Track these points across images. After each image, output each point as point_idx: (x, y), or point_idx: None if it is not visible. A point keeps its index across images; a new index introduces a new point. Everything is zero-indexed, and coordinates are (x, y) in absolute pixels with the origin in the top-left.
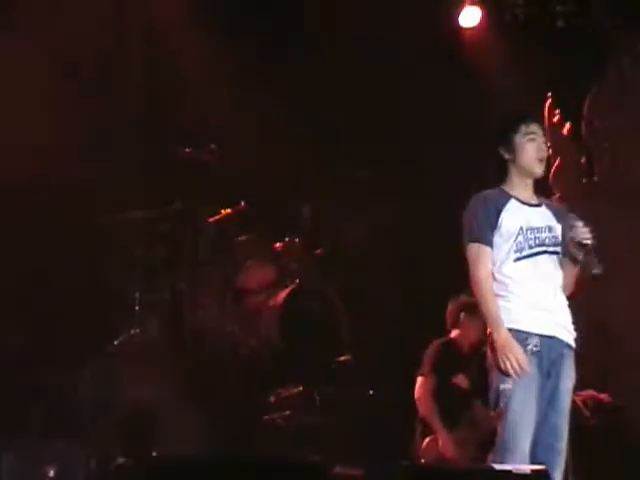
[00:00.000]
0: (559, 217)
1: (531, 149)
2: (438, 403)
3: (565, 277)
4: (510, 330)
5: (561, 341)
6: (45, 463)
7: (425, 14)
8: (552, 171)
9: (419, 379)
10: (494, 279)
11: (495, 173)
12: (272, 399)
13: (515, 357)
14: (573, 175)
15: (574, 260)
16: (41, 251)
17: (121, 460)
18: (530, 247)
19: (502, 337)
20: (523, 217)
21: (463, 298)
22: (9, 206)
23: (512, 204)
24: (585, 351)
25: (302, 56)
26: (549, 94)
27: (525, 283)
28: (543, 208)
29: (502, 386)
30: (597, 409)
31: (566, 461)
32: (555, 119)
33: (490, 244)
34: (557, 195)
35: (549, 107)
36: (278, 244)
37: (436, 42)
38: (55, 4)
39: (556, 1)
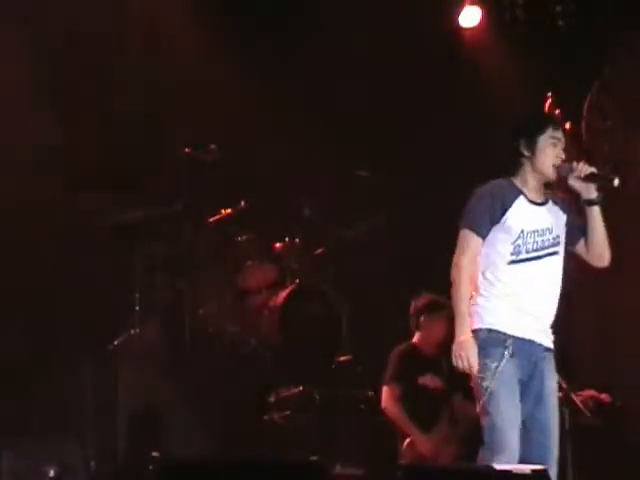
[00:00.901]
0: (565, 209)
1: (551, 154)
2: (409, 407)
3: (593, 241)
4: (490, 330)
5: (540, 345)
6: (45, 463)
7: (425, 14)
8: None
9: (383, 389)
10: (484, 275)
11: (509, 164)
12: (272, 399)
13: (467, 357)
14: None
15: (591, 203)
16: (41, 251)
17: (121, 460)
18: (527, 251)
19: (463, 337)
20: (527, 218)
21: (424, 297)
22: (8, 206)
23: (520, 202)
24: (587, 351)
25: (302, 56)
26: (549, 94)
27: (513, 286)
28: (549, 205)
29: (485, 383)
30: (597, 409)
31: (567, 461)
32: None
33: (482, 235)
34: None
35: (549, 107)
36: (278, 244)
37: (436, 42)
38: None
39: (556, 1)
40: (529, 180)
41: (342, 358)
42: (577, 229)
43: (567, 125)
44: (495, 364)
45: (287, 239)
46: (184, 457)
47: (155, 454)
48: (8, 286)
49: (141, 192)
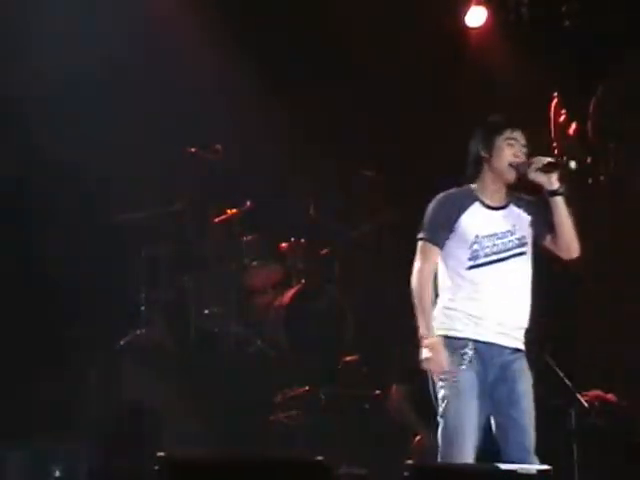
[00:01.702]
0: (529, 210)
1: (508, 153)
2: (417, 406)
3: (560, 233)
4: (447, 337)
5: (504, 347)
6: (51, 463)
7: (431, 14)
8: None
9: (393, 388)
10: (444, 282)
11: (469, 168)
12: (278, 399)
13: (434, 362)
14: (579, 175)
15: (554, 193)
16: (46, 252)
17: (126, 460)
18: (486, 255)
19: (428, 340)
20: (483, 224)
21: None
22: (8, 205)
23: (475, 208)
24: (592, 351)
25: (305, 56)
26: (555, 94)
27: (474, 291)
28: (510, 208)
29: (441, 392)
30: (603, 409)
31: (572, 461)
32: (561, 119)
33: (439, 245)
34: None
35: (555, 107)
36: (284, 244)
37: (441, 42)
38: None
39: (561, 1)
40: (488, 184)
41: (348, 358)
42: (544, 225)
43: (573, 125)
44: (452, 374)
45: (292, 239)
46: (189, 456)
47: (161, 453)
48: (14, 286)
49: (147, 192)
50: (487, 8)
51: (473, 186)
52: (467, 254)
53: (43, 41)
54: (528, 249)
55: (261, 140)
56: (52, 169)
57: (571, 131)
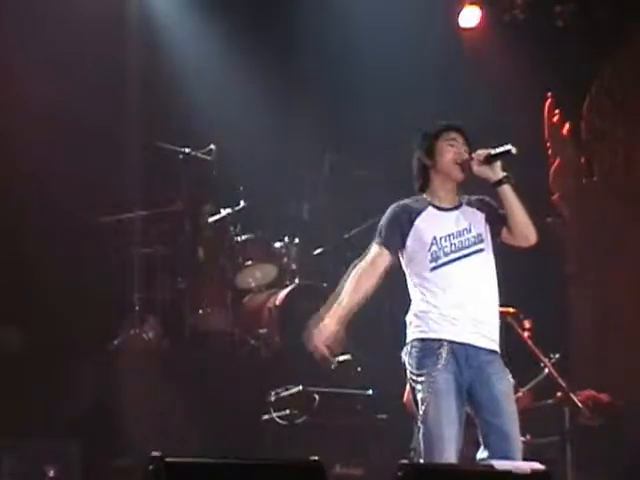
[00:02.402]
0: (482, 208)
1: (450, 153)
2: None
3: (513, 222)
4: (424, 340)
5: (479, 348)
6: (45, 463)
7: (425, 14)
8: (552, 171)
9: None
10: (413, 288)
11: (417, 180)
12: (272, 399)
13: (315, 338)
14: (573, 175)
15: (499, 183)
16: (41, 251)
17: (120, 460)
18: (446, 254)
19: (329, 315)
20: (438, 225)
21: None
22: (9, 206)
23: (428, 212)
24: (586, 351)
25: (303, 56)
26: (549, 94)
27: (442, 293)
28: (462, 209)
29: (419, 395)
30: (597, 409)
31: (566, 461)
32: (555, 119)
33: (389, 247)
34: (557, 195)
35: (549, 107)
36: (278, 244)
37: (436, 42)
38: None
39: (555, 1)
40: (438, 188)
41: (341, 358)
42: (498, 220)
43: (567, 125)
44: (429, 375)
45: (287, 239)
46: (184, 457)
47: (155, 454)
48: (8, 286)
49: (141, 192)
50: (481, 8)
51: (424, 195)
52: (428, 256)
53: None
54: (486, 246)
55: (255, 140)
56: (49, 169)
57: (565, 131)
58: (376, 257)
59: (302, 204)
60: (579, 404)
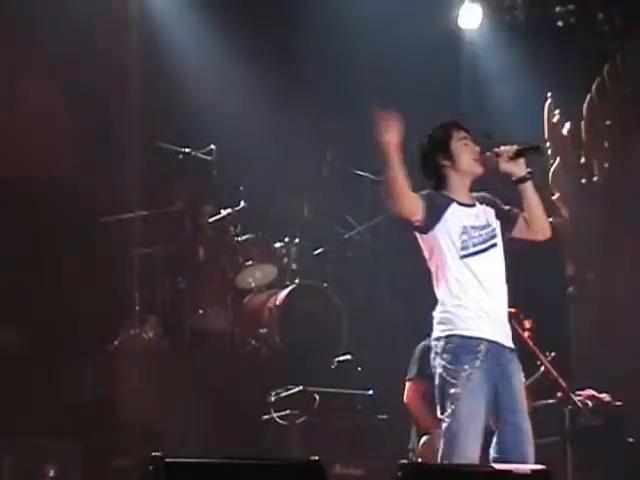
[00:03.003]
0: (490, 205)
1: (467, 152)
2: (431, 404)
3: (533, 216)
4: (462, 337)
5: (504, 346)
6: (45, 463)
7: (425, 15)
8: (552, 171)
9: (407, 384)
10: (445, 281)
11: (434, 181)
12: (272, 399)
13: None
14: (573, 175)
15: (523, 179)
16: (41, 251)
17: (121, 460)
18: (474, 245)
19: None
20: (465, 218)
21: None
22: (9, 206)
23: (453, 207)
24: (587, 350)
25: (303, 56)
26: (549, 94)
27: (472, 289)
28: (478, 206)
29: (451, 390)
30: (597, 409)
31: (566, 461)
32: (555, 119)
33: (424, 202)
34: (557, 195)
35: (549, 107)
36: (278, 244)
37: (436, 43)
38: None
39: (555, 2)
40: (458, 186)
41: (342, 358)
42: (506, 217)
43: (567, 125)
44: (466, 372)
45: (287, 239)
46: (183, 457)
47: (155, 454)
48: (8, 286)
49: (142, 192)
50: (481, 9)
51: (443, 191)
52: (458, 244)
53: None
54: (499, 241)
55: (256, 140)
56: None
57: (565, 131)
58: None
59: (302, 204)
60: (579, 404)
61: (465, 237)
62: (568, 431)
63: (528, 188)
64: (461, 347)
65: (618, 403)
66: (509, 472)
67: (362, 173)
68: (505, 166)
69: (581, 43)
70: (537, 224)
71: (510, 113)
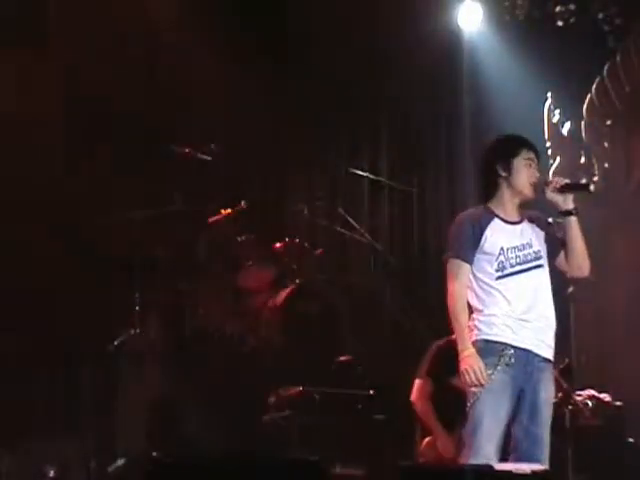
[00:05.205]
0: (541, 226)
1: (527, 173)
2: (436, 405)
3: (572, 252)
4: (488, 341)
5: (537, 355)
6: (45, 463)
7: (425, 14)
8: (552, 171)
9: (416, 382)
10: (476, 295)
11: (486, 187)
12: (272, 399)
13: (474, 372)
14: (573, 175)
15: (568, 213)
16: (41, 251)
17: (121, 460)
18: (512, 266)
19: (467, 352)
20: (505, 237)
21: None
22: (8, 206)
23: (495, 224)
24: (587, 351)
25: (302, 55)
26: (549, 94)
27: (506, 299)
28: (524, 224)
29: (474, 389)
30: (597, 409)
31: (567, 461)
32: (555, 119)
33: (470, 262)
34: None
35: (549, 107)
36: (278, 244)
37: (436, 42)
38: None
39: (555, 2)
40: (507, 201)
41: (342, 358)
42: (556, 243)
43: (567, 125)
44: (488, 372)
45: (287, 239)
46: (183, 457)
47: (154, 454)
48: (7, 286)
49: (141, 192)
50: (481, 8)
51: (489, 204)
52: (494, 266)
53: None
54: (545, 262)
55: (256, 140)
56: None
57: (565, 131)
58: (463, 275)
59: (302, 204)
60: (579, 404)
61: (502, 258)
62: (568, 431)
63: (572, 223)
64: (484, 350)
65: (618, 403)
66: (509, 472)
67: (362, 173)
68: (550, 195)
69: (581, 43)
70: (574, 262)
71: (510, 113)
